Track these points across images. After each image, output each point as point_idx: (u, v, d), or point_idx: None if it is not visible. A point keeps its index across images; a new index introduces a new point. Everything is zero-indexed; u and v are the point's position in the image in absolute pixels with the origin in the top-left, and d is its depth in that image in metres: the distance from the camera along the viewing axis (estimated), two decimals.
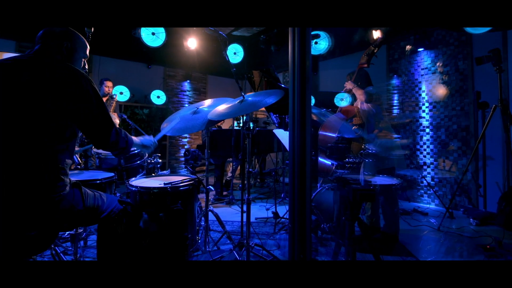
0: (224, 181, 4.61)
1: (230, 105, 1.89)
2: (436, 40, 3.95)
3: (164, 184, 1.52)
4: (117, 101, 4.25)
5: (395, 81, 4.52)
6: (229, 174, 4.99)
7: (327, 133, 2.51)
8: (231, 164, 5.13)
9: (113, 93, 4.13)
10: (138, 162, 2.03)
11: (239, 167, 5.13)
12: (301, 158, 1.14)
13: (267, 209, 3.70)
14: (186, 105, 6.42)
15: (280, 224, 3.05)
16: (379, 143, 2.15)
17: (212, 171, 4.91)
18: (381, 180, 1.81)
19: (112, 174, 1.77)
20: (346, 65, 5.29)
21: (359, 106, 2.83)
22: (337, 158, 2.19)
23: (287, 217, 3.22)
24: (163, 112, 5.93)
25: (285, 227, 2.92)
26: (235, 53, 5.97)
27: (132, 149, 1.43)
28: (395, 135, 2.57)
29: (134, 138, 1.46)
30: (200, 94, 6.66)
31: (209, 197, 4.21)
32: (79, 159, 1.88)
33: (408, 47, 4.08)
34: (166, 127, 1.83)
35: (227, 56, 2.10)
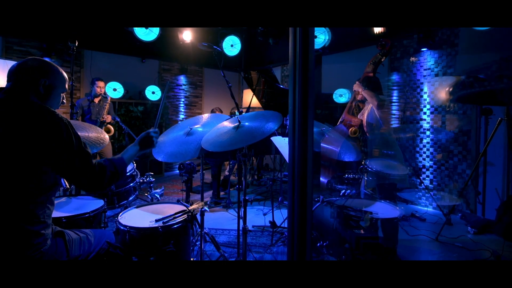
0: (221, 178, 4.54)
1: (226, 126, 1.80)
2: (440, 40, 3.80)
3: (156, 221, 1.45)
4: (111, 100, 4.10)
5: (395, 77, 4.41)
6: (226, 173, 4.93)
7: (328, 146, 2.42)
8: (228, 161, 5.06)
9: (107, 95, 3.98)
10: (131, 184, 1.94)
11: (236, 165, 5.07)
12: (302, 167, 1.04)
13: (265, 214, 3.67)
14: (182, 99, 6.27)
15: (278, 234, 3.02)
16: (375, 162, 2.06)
17: (208, 169, 4.85)
18: (382, 209, 1.75)
19: (102, 203, 1.69)
20: (350, 60, 5.15)
21: (363, 119, 2.71)
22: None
23: (285, 225, 3.19)
24: (159, 108, 5.78)
25: (282, 238, 2.89)
26: (232, 45, 5.79)
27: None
28: (390, 152, 2.48)
29: (121, 153, 1.31)
30: (196, 88, 6.50)
31: (206, 199, 4.18)
32: (66, 183, 1.79)
33: (412, 59, 3.94)
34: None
35: (223, 72, 1.98)
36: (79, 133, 2.06)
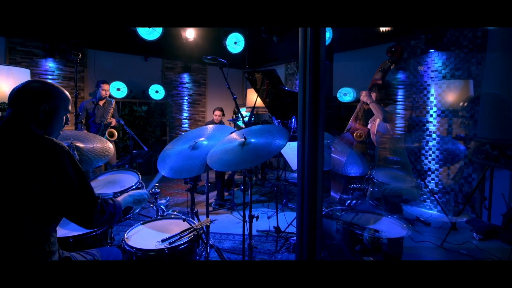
0: (226, 178, 4.53)
1: (232, 142, 1.78)
2: (448, 41, 3.72)
3: (162, 241, 1.46)
4: (115, 103, 4.10)
5: (400, 76, 4.34)
6: (230, 172, 4.93)
7: (334, 156, 2.40)
8: None
9: (112, 98, 3.95)
10: None
11: None
12: (312, 163, 0.99)
13: (269, 217, 3.67)
14: (186, 98, 6.25)
15: (282, 239, 3.03)
16: (385, 188, 2.04)
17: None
18: (389, 226, 1.74)
19: None
20: (354, 58, 5.08)
21: (374, 127, 2.66)
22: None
23: (289, 230, 3.19)
24: (162, 107, 5.78)
25: (287, 245, 2.90)
26: (235, 43, 5.73)
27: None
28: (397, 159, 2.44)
29: (121, 198, 1.34)
30: (200, 86, 6.46)
31: (210, 201, 4.19)
32: None
33: (420, 68, 3.87)
34: (159, 173, 1.74)
35: (228, 84, 1.96)
36: (84, 145, 2.07)
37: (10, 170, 1.01)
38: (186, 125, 6.27)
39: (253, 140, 1.70)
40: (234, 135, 1.90)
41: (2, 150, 1.03)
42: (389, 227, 1.73)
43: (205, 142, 1.94)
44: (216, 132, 2.04)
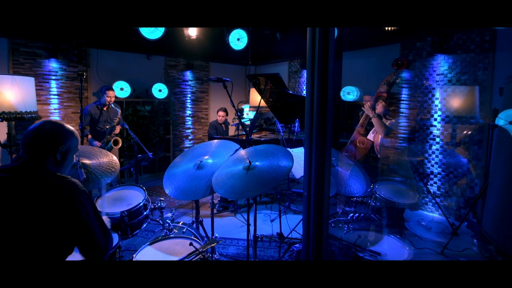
0: None
1: (237, 165, 1.80)
2: (455, 45, 3.67)
3: None
4: (118, 99, 4.10)
5: (404, 75, 4.30)
6: None
7: (339, 169, 2.42)
8: None
9: (117, 107, 3.90)
10: (144, 213, 1.99)
11: None
12: (320, 163, 0.99)
13: (272, 221, 3.73)
14: (189, 95, 6.24)
15: (285, 245, 3.08)
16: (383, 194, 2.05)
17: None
18: (390, 247, 1.77)
19: (116, 238, 1.75)
20: (357, 57, 5.02)
21: (376, 139, 2.66)
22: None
23: (292, 236, 3.24)
24: (166, 105, 5.78)
25: (289, 251, 2.95)
26: (238, 39, 5.67)
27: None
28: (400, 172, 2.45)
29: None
30: (202, 83, 6.44)
31: (214, 202, 4.25)
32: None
33: (425, 83, 3.82)
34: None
35: (232, 101, 1.96)
36: (90, 161, 2.10)
37: (32, 210, 1.05)
38: (190, 122, 6.28)
39: (258, 163, 1.72)
40: (238, 154, 1.92)
41: (24, 192, 1.06)
42: (391, 247, 1.76)
43: (210, 161, 1.96)
44: (221, 149, 2.06)
